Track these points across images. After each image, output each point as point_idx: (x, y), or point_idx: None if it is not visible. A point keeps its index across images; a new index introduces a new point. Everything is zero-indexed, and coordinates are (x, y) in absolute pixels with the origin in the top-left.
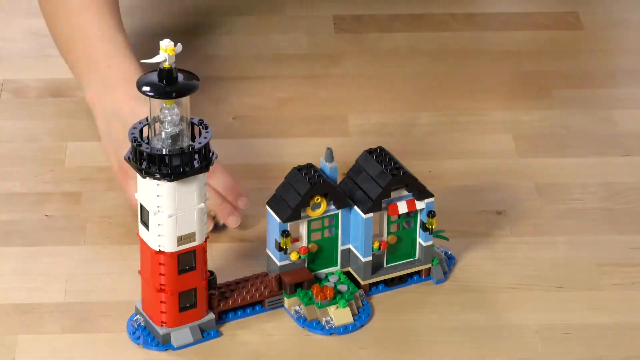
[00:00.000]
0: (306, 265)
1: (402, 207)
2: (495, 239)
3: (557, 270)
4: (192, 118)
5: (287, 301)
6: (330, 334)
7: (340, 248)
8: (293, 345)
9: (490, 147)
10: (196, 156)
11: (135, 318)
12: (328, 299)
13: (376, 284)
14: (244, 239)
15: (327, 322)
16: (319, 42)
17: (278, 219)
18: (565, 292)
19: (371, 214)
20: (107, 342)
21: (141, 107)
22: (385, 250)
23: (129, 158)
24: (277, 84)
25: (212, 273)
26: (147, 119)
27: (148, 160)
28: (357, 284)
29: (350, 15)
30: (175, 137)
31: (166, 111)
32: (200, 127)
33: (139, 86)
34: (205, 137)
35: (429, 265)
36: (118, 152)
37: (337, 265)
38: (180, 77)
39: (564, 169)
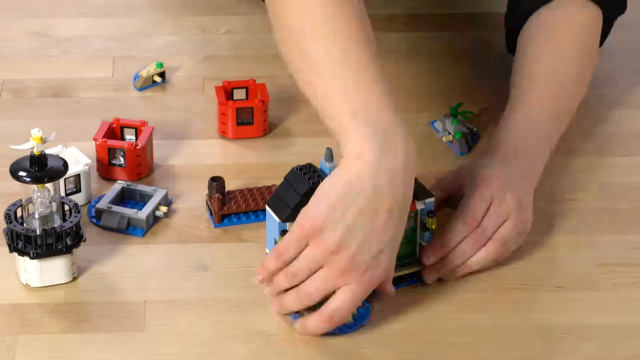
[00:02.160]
0: None
1: None
2: None
3: (557, 270)
4: (62, 198)
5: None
6: (331, 334)
7: None
8: (293, 345)
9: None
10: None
11: None
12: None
13: None
14: (243, 238)
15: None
16: None
17: (277, 219)
18: (565, 292)
19: None
20: (107, 342)
21: (392, 224)
22: None
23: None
24: (277, 84)
25: (220, 178)
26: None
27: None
28: None
29: None
30: (45, 218)
31: (38, 193)
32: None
33: (14, 172)
34: (76, 217)
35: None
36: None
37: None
38: (51, 161)
39: (564, 169)
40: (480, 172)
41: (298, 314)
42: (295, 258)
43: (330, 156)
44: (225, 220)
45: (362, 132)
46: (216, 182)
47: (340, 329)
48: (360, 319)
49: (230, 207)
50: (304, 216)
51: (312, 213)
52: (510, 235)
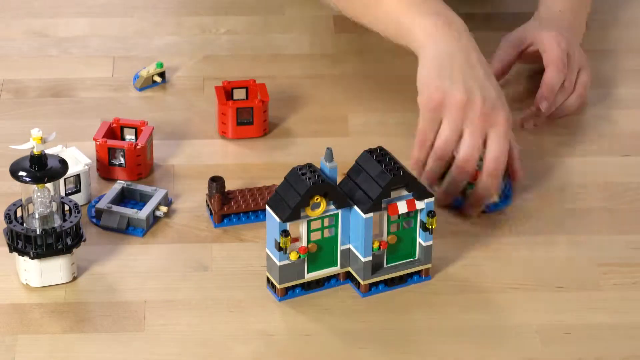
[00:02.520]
0: (306, 266)
1: (402, 207)
2: (495, 239)
3: (557, 270)
4: (62, 198)
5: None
6: (482, 212)
7: (340, 248)
8: (293, 345)
9: None
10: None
11: None
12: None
13: (376, 284)
14: (243, 238)
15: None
16: (319, 42)
17: (278, 219)
18: (565, 292)
19: (371, 214)
20: (107, 342)
21: (490, 83)
22: (385, 250)
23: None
24: (277, 84)
25: (220, 178)
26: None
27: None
28: (358, 284)
29: None
30: (45, 218)
31: (38, 193)
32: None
33: (14, 172)
34: (76, 217)
35: (429, 265)
36: (445, 83)
37: (337, 266)
38: (51, 161)
39: (565, 169)
40: (545, 31)
41: (462, 198)
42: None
43: (330, 156)
44: (225, 220)
45: (427, 19)
46: (216, 182)
47: (491, 208)
48: (505, 198)
49: (230, 207)
50: (424, 100)
51: (428, 93)
52: (588, 80)
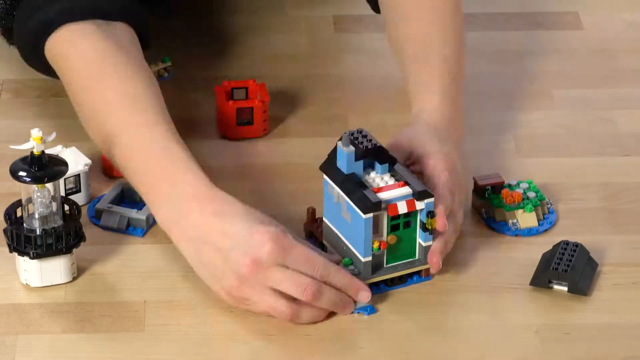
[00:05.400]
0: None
1: (402, 207)
2: (495, 239)
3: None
4: (62, 198)
5: (477, 202)
6: (516, 235)
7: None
8: (293, 345)
9: (490, 147)
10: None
11: None
12: (516, 202)
13: (376, 284)
14: None
15: (514, 224)
16: (319, 42)
17: (332, 183)
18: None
19: (371, 214)
20: (107, 342)
21: (226, 224)
22: (385, 250)
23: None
24: (277, 84)
25: None
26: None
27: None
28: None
29: (350, 15)
30: (45, 218)
31: (38, 193)
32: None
33: (14, 172)
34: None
35: (429, 265)
36: (221, 280)
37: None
38: (51, 161)
39: (564, 169)
40: (429, 145)
41: (489, 216)
42: None
43: (347, 141)
44: None
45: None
46: None
47: (525, 231)
48: (544, 224)
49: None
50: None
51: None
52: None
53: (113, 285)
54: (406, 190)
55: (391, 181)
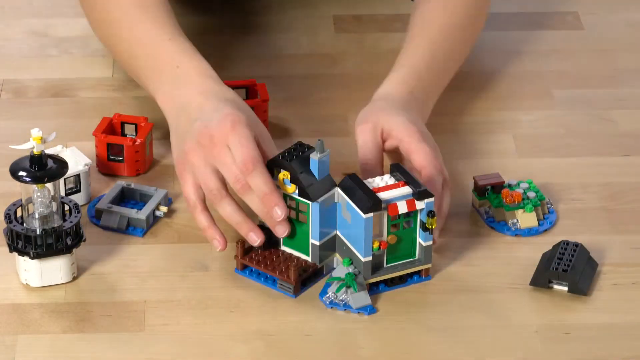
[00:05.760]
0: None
1: (402, 207)
2: (495, 239)
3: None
4: (62, 198)
5: (477, 202)
6: (516, 234)
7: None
8: (293, 345)
9: (490, 147)
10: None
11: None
12: (516, 202)
13: (376, 284)
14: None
15: (514, 224)
16: (319, 42)
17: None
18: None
19: (371, 214)
20: (107, 342)
21: (207, 102)
22: (385, 250)
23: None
24: (277, 84)
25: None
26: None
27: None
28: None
29: (350, 15)
30: (45, 218)
31: (38, 193)
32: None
33: (14, 172)
34: (76, 217)
35: (429, 265)
36: (180, 144)
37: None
38: (51, 161)
39: (564, 169)
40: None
41: (489, 216)
42: None
43: (321, 147)
44: (247, 271)
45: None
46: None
47: (525, 231)
48: (544, 224)
49: (252, 259)
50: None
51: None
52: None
53: (113, 285)
54: (406, 190)
55: (391, 181)
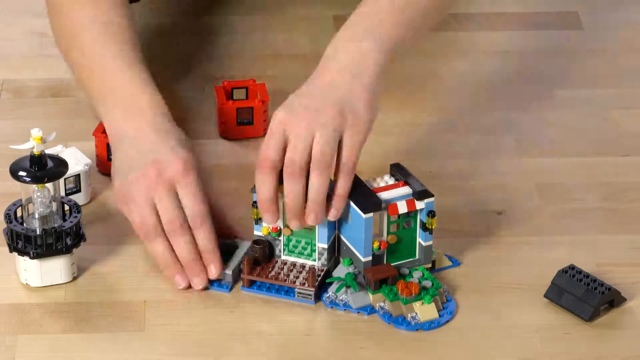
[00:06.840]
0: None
1: (402, 207)
2: (495, 239)
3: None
4: (62, 198)
5: (372, 297)
6: (417, 329)
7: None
8: (293, 345)
9: (490, 147)
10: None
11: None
12: (413, 295)
13: None
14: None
15: (413, 317)
16: (319, 42)
17: None
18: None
19: (371, 214)
20: (107, 342)
21: (161, 140)
22: (385, 250)
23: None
24: (277, 84)
25: (262, 242)
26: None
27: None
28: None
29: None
30: (45, 218)
31: (38, 193)
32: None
33: (14, 172)
34: (76, 217)
35: (429, 265)
36: (126, 173)
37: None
38: (51, 161)
39: (564, 169)
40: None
41: (385, 312)
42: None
43: None
44: (254, 287)
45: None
46: (258, 246)
47: (426, 325)
48: (445, 315)
49: (259, 273)
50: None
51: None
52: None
53: (113, 285)
54: (406, 190)
55: (391, 181)
